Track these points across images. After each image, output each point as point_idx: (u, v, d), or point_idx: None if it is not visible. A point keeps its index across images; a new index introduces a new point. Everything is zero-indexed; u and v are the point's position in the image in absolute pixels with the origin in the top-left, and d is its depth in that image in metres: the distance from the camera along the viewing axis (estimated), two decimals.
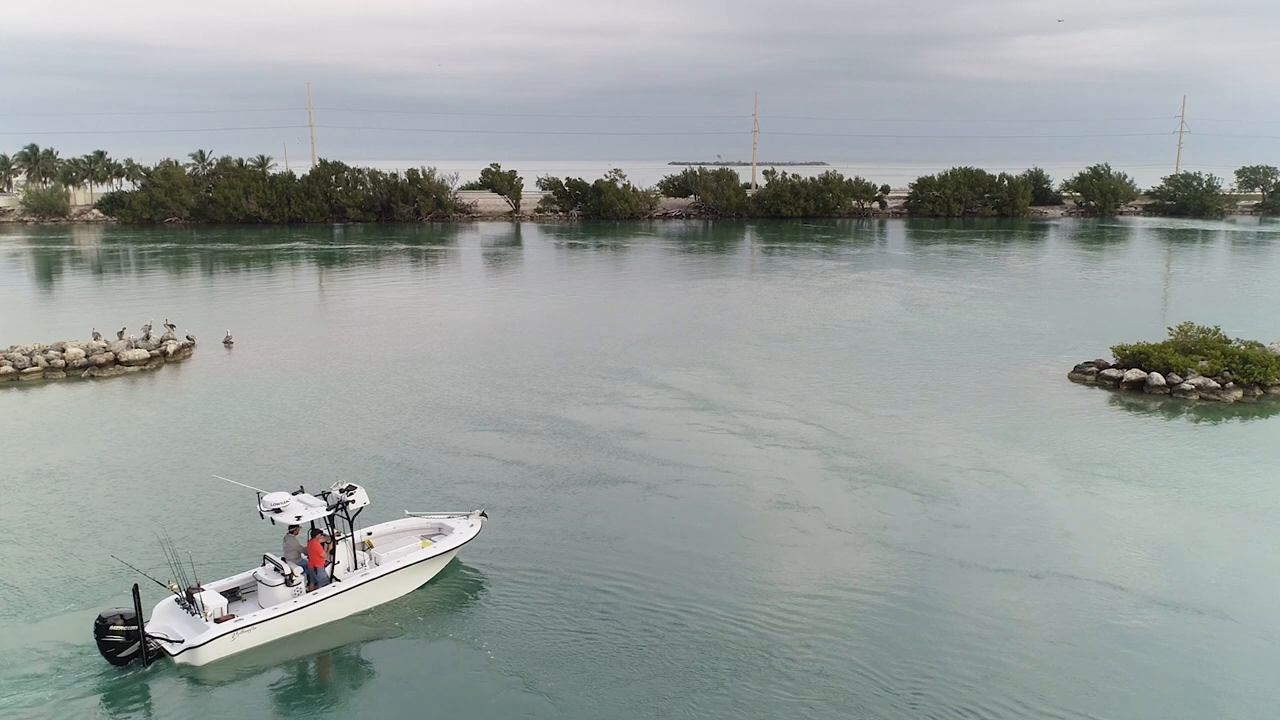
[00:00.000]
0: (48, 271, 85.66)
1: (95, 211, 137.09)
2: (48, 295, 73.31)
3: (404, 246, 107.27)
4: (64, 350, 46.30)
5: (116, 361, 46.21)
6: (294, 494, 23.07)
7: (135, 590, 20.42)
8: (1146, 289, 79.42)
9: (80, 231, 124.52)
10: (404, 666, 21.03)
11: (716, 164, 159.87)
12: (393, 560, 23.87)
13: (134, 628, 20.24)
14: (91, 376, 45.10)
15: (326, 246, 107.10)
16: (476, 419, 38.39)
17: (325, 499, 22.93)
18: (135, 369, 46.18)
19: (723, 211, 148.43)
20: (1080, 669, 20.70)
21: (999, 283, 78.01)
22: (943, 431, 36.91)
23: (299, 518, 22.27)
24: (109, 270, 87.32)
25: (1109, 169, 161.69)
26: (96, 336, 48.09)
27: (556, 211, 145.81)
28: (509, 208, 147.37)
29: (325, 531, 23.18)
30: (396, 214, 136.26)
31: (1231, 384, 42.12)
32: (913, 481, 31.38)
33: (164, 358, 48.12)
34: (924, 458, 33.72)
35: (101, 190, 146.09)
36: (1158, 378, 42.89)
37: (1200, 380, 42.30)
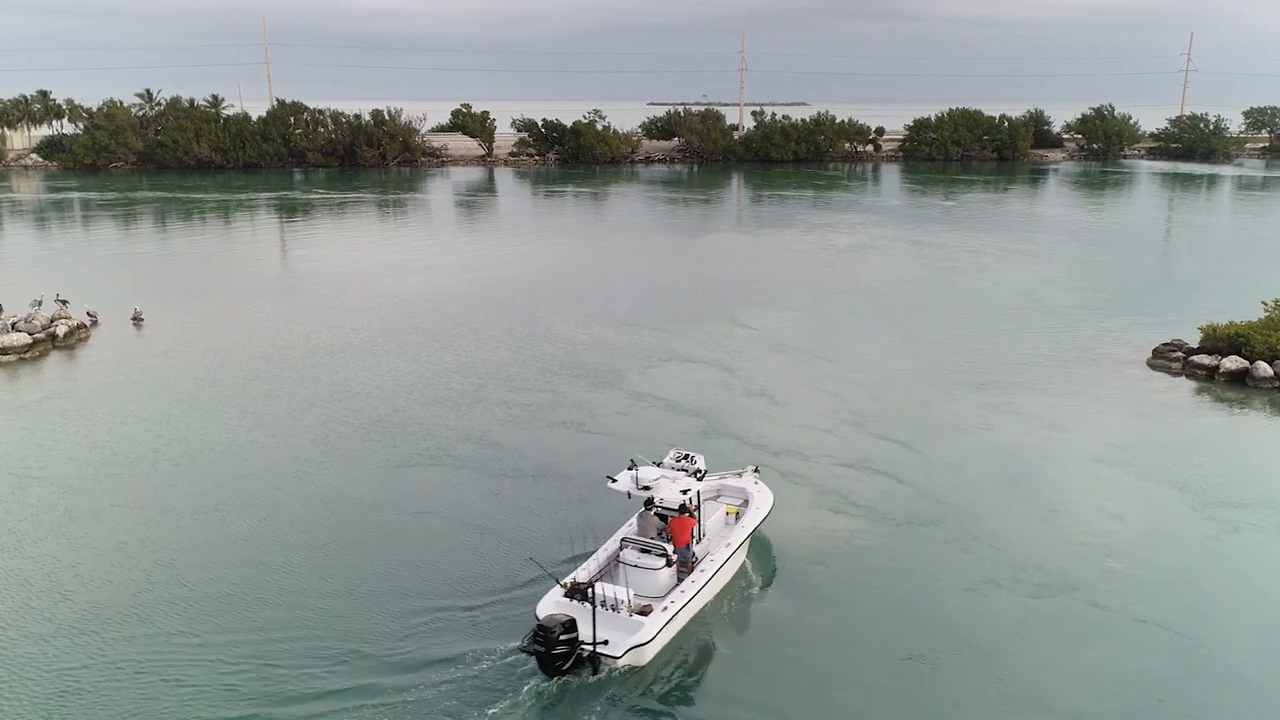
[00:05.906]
0: None
1: (34, 156, 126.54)
2: None
3: (367, 195, 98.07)
4: None
5: None
6: (630, 469, 20.69)
7: (591, 592, 17.98)
8: (1189, 245, 71.75)
9: (16, 178, 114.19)
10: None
11: (702, 104, 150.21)
12: (739, 531, 21.47)
13: (574, 634, 17.69)
14: None
15: (282, 195, 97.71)
16: (421, 446, 30.42)
17: (660, 468, 20.89)
18: (13, 357, 37.67)
19: (709, 155, 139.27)
20: None
21: (1028, 239, 69.85)
22: (1032, 459, 28.43)
23: (686, 492, 20.01)
24: (31, 225, 77.85)
25: (1113, 110, 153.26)
26: None
27: (532, 155, 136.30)
28: (481, 151, 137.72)
29: (691, 507, 20.66)
30: (360, 158, 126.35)
31: None
32: (1040, 560, 23.17)
33: (52, 342, 39.60)
34: (1030, 514, 25.43)
35: (42, 133, 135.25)
36: (1264, 368, 35.20)
37: None
